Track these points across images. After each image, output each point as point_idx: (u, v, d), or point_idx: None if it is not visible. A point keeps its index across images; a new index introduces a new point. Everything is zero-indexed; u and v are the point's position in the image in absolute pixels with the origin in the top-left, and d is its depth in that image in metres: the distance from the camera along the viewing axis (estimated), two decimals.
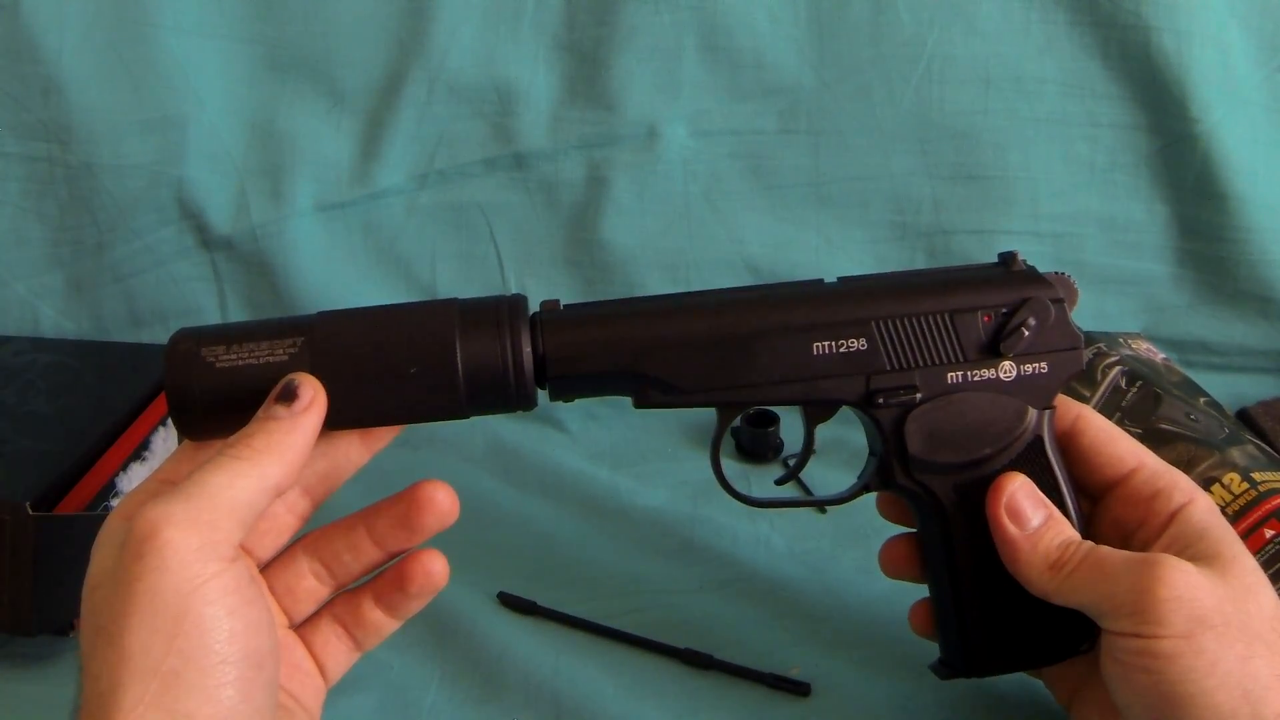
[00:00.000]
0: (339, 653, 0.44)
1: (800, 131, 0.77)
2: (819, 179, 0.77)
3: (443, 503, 0.43)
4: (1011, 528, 0.43)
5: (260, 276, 0.78)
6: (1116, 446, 0.46)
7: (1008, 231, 0.77)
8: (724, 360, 0.44)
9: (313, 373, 0.41)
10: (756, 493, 0.67)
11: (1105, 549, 0.42)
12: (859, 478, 0.49)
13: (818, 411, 0.47)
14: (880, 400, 0.45)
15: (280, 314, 0.78)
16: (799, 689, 0.52)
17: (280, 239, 0.77)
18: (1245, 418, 0.71)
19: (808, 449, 0.49)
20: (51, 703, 0.52)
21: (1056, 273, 0.46)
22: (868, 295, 0.45)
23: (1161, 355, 0.75)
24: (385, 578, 0.44)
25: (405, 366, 0.41)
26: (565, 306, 0.45)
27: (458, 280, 0.79)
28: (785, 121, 0.77)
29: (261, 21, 0.76)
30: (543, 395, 0.45)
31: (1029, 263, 0.47)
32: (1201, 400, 0.68)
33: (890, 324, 0.44)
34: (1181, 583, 0.40)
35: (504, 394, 0.43)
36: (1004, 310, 0.45)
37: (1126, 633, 0.40)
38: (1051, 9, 0.74)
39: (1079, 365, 0.46)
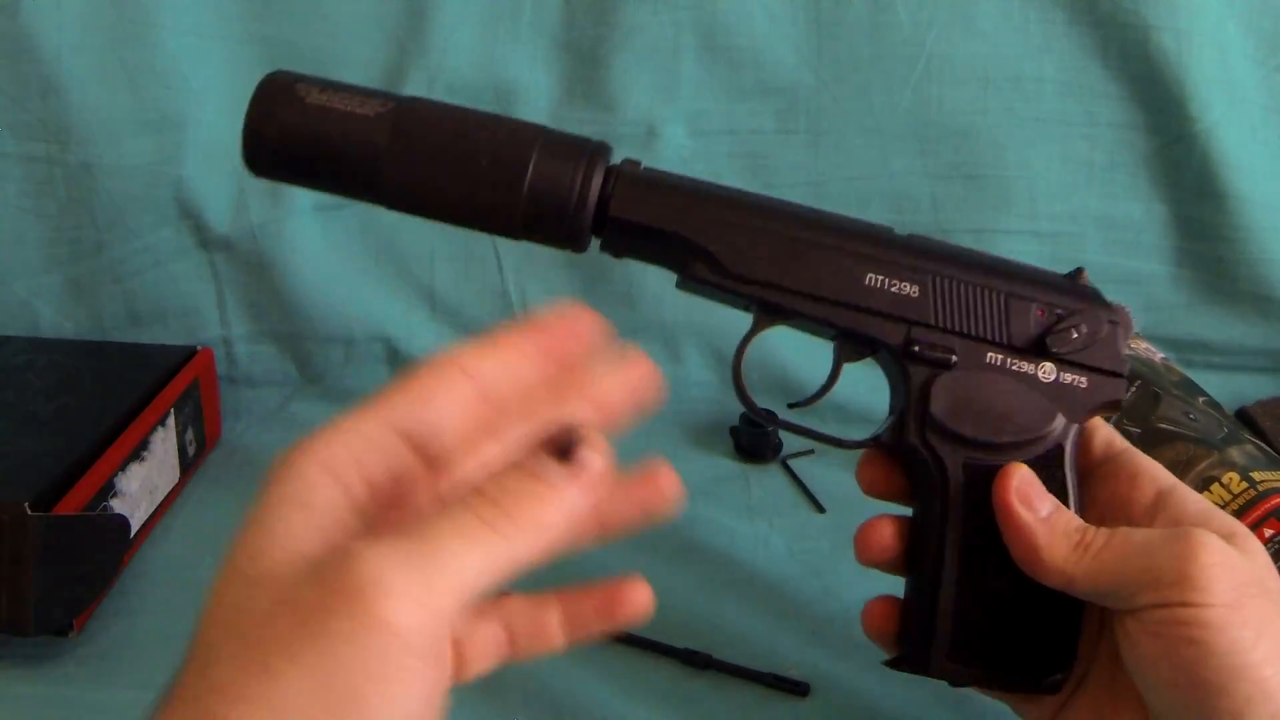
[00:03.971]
0: (488, 655, 0.38)
1: (799, 131, 0.77)
2: (818, 178, 0.77)
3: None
4: (1025, 513, 0.42)
5: (259, 276, 0.78)
6: (1088, 433, 0.45)
7: (1007, 231, 0.77)
8: (779, 256, 0.44)
9: (391, 139, 0.40)
10: (755, 493, 0.68)
11: (1130, 529, 0.41)
12: (874, 433, 0.48)
13: (850, 349, 0.47)
14: (916, 350, 0.44)
15: (279, 312, 0.78)
16: (798, 689, 0.52)
17: (279, 239, 0.77)
18: (1244, 417, 0.71)
19: (832, 381, 0.48)
20: (51, 703, 0.53)
21: (1119, 303, 0.46)
22: (933, 251, 0.45)
23: (1160, 354, 0.75)
24: (585, 598, 0.39)
25: (479, 158, 0.42)
26: (645, 168, 0.45)
27: (456, 280, 0.79)
28: (784, 121, 0.77)
29: (260, 21, 0.75)
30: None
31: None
32: (1200, 400, 0.68)
33: (947, 282, 0.44)
34: (1221, 550, 0.38)
35: (560, 220, 0.43)
36: (1059, 311, 0.44)
37: (1171, 602, 0.38)
38: (1050, 8, 0.74)
39: (1119, 393, 0.45)
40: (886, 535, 0.47)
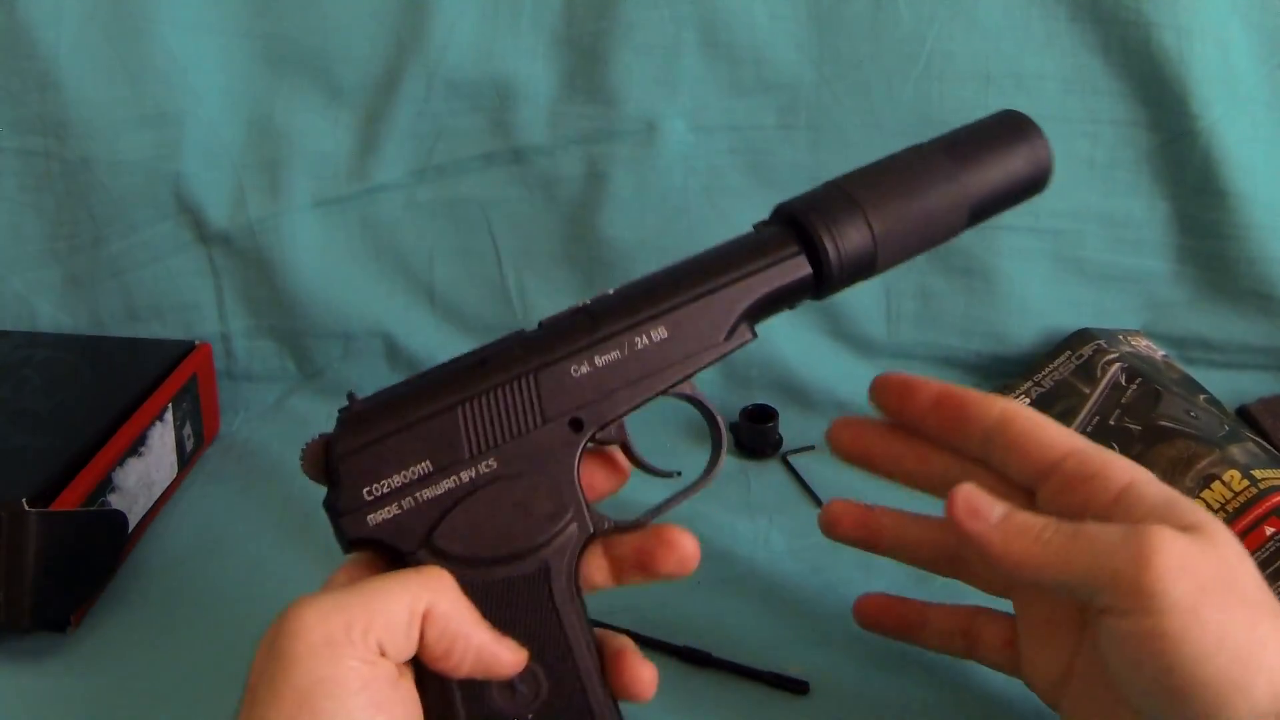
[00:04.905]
0: None
1: (800, 127, 0.77)
2: (818, 174, 0.75)
3: (687, 548, 0.43)
4: (976, 524, 0.41)
5: (258, 272, 0.78)
6: (1046, 433, 0.44)
7: (1007, 227, 0.77)
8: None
9: None
10: (755, 489, 0.68)
11: (1089, 523, 0.40)
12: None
13: None
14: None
15: (277, 307, 0.78)
16: (798, 687, 0.52)
17: (278, 234, 0.77)
18: (1245, 415, 0.71)
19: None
20: (49, 698, 0.53)
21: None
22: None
23: (1161, 352, 0.75)
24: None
25: None
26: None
27: (455, 276, 0.79)
28: (785, 117, 0.77)
29: (259, 16, 0.75)
30: None
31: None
32: (1201, 397, 0.68)
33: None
34: (1179, 551, 0.37)
35: None
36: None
37: (1129, 610, 0.37)
38: (1052, 5, 0.73)
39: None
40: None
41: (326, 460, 0.41)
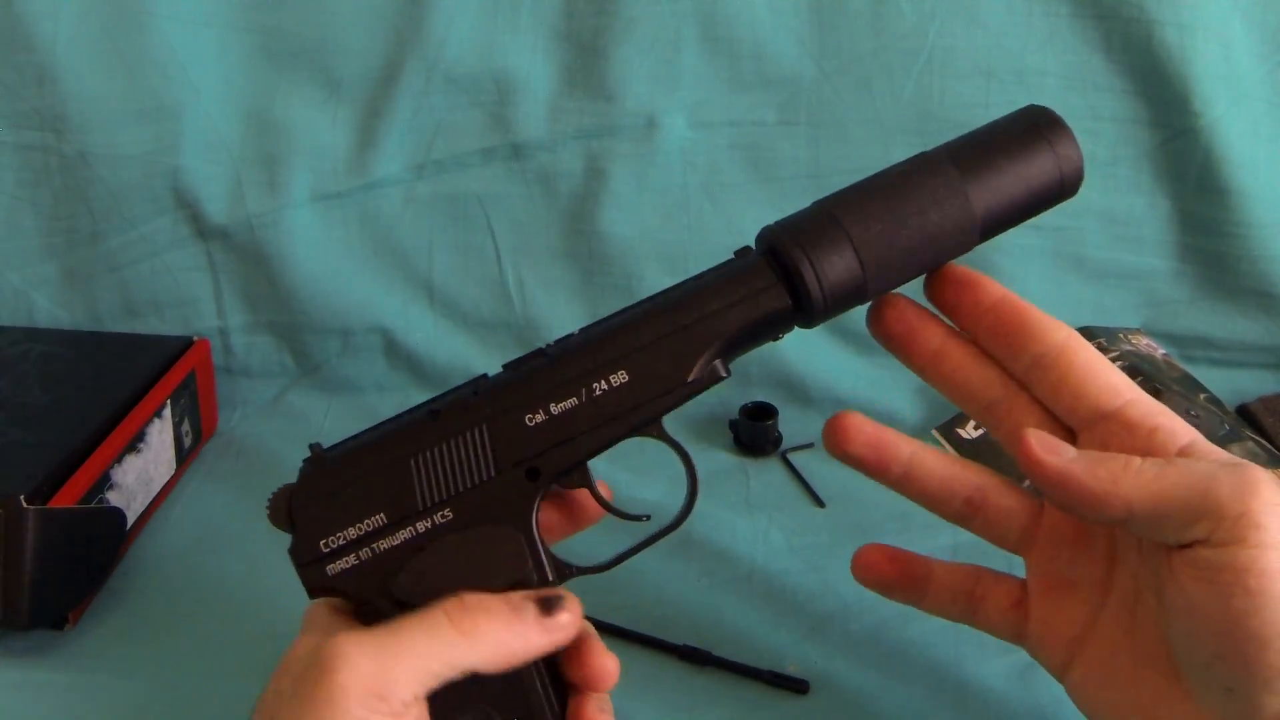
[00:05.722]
0: None
1: (800, 123, 0.76)
2: (819, 171, 0.77)
3: (608, 668, 0.42)
4: (1055, 459, 0.39)
5: (256, 267, 0.78)
6: (1109, 375, 0.42)
7: None
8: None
9: None
10: (755, 487, 0.68)
11: (1185, 459, 0.38)
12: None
13: None
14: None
15: (276, 302, 0.78)
16: (797, 686, 0.52)
17: (276, 229, 0.77)
18: (1245, 414, 0.71)
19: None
20: (47, 695, 0.52)
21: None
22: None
23: (1161, 350, 0.75)
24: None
25: None
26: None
27: (454, 272, 0.79)
28: (785, 113, 0.76)
29: (258, 10, 0.75)
30: None
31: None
32: (1201, 396, 0.68)
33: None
34: (1278, 492, 0.36)
35: None
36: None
37: (1229, 541, 0.36)
38: (1054, 1, 0.73)
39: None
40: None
41: (289, 511, 0.41)
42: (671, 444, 0.43)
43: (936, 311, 0.45)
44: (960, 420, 0.70)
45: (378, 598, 0.40)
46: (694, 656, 0.54)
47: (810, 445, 0.71)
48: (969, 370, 0.44)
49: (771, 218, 0.44)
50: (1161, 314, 0.78)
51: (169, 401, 0.67)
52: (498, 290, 0.79)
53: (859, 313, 0.77)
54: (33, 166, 0.76)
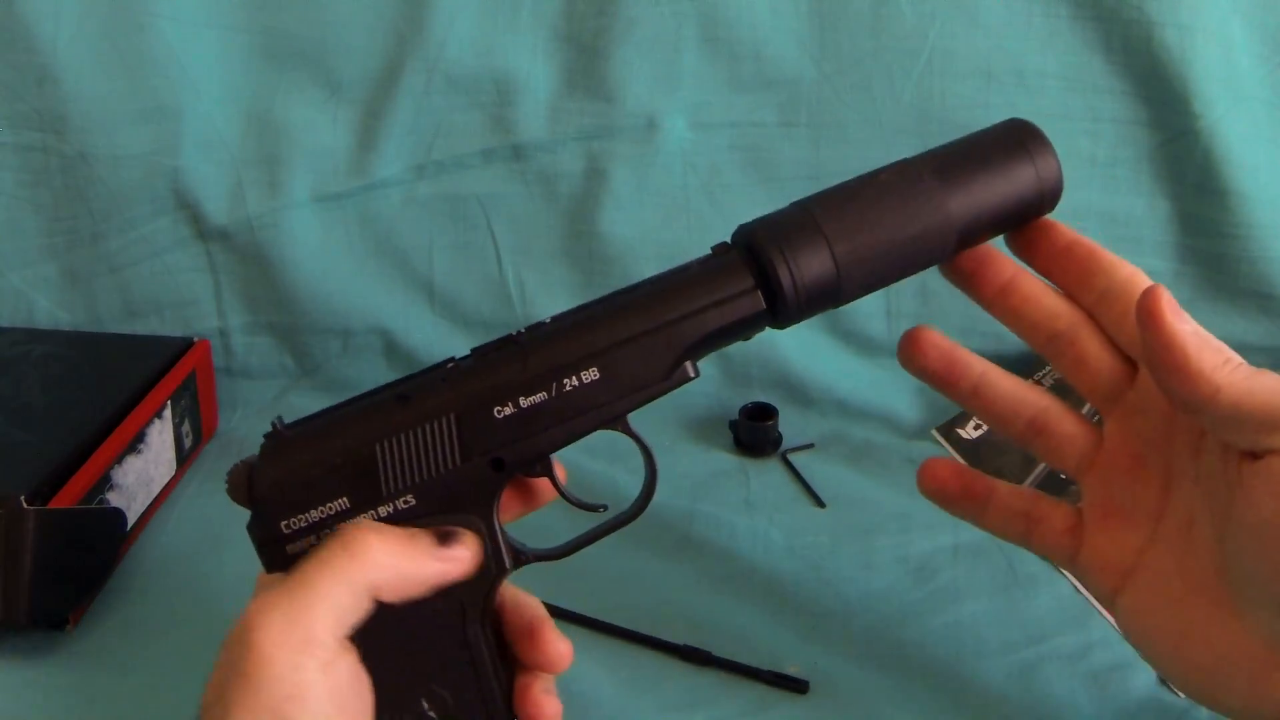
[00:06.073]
0: None
1: (800, 124, 0.77)
2: (819, 172, 0.77)
3: (560, 650, 0.43)
4: (1180, 323, 0.39)
5: (256, 267, 0.78)
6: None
7: None
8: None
9: None
10: (755, 487, 0.68)
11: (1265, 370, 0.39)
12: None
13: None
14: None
15: (276, 303, 0.78)
16: (798, 686, 0.52)
17: (276, 230, 0.77)
18: None
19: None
20: (48, 697, 0.52)
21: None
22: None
23: None
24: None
25: None
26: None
27: (455, 272, 0.79)
28: (785, 114, 0.77)
29: (258, 10, 0.75)
30: None
31: None
32: None
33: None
34: None
35: None
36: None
37: None
38: (1054, 3, 0.73)
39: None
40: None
41: (249, 488, 0.41)
42: (635, 439, 0.43)
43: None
44: (960, 421, 0.70)
45: None
46: (694, 656, 0.54)
47: (810, 446, 0.71)
48: (1037, 301, 0.46)
49: None
50: None
51: (169, 402, 0.67)
52: (498, 291, 0.79)
53: (861, 314, 0.78)
54: (33, 167, 0.76)
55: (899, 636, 0.55)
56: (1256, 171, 0.74)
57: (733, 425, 0.72)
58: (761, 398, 0.74)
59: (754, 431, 0.71)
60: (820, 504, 0.66)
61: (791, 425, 0.72)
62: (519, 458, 0.41)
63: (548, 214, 0.78)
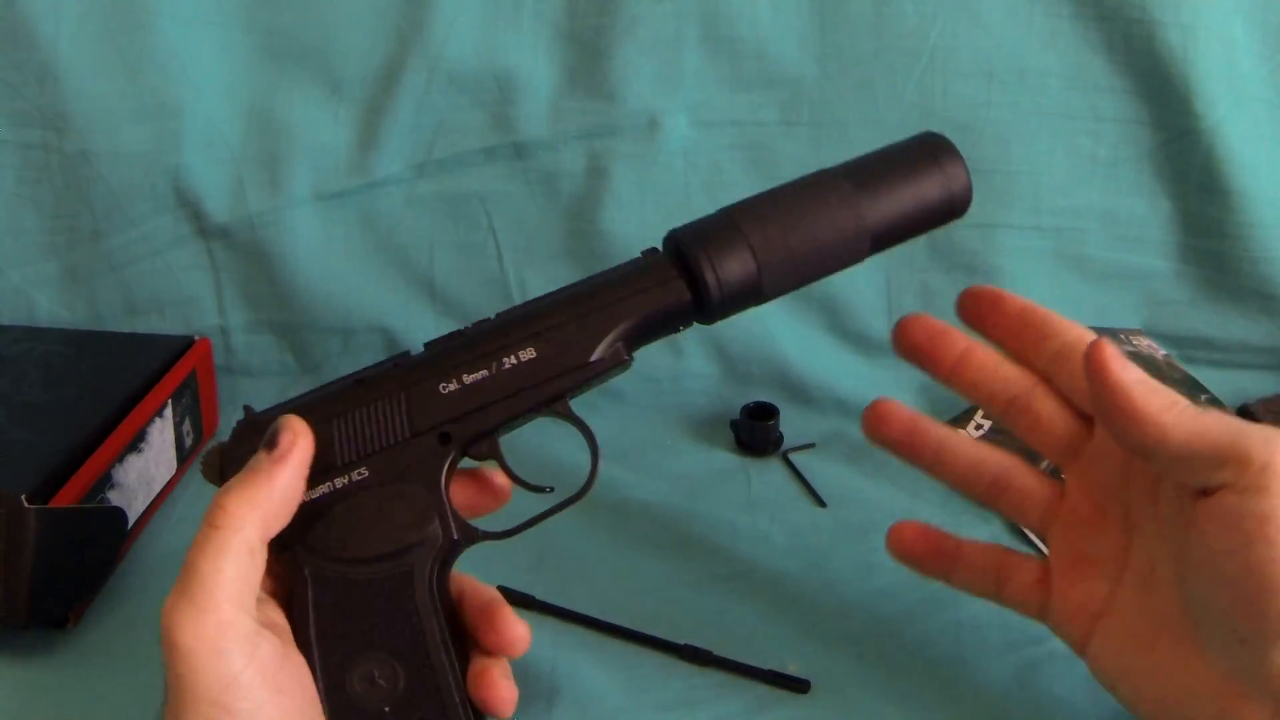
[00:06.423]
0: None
1: (802, 123, 0.77)
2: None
3: (517, 631, 0.44)
4: (1125, 372, 0.41)
5: (257, 266, 0.78)
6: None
7: (1009, 225, 0.77)
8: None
9: None
10: (756, 487, 0.68)
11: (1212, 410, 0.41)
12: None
13: None
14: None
15: (277, 302, 0.78)
16: (798, 686, 0.52)
17: (277, 228, 0.77)
18: (1246, 414, 0.71)
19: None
20: (48, 695, 0.52)
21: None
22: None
23: (1162, 351, 0.75)
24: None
25: None
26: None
27: (456, 271, 0.79)
28: (787, 113, 0.76)
29: (259, 9, 0.75)
30: None
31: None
32: (1203, 397, 0.68)
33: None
34: None
35: None
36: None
37: (1252, 489, 0.38)
38: (1056, 2, 0.73)
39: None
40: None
41: (220, 466, 0.44)
42: (575, 422, 0.46)
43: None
44: (961, 421, 0.70)
45: (297, 546, 0.43)
46: (694, 656, 0.54)
47: (812, 445, 0.71)
48: (993, 371, 0.48)
49: None
50: (1162, 315, 0.78)
51: (170, 401, 0.67)
52: (499, 290, 0.79)
53: (862, 313, 0.78)
54: (34, 165, 0.76)
55: (899, 636, 0.55)
56: (1258, 171, 0.74)
57: (734, 425, 0.72)
58: (762, 397, 0.74)
59: (755, 431, 0.71)
60: (821, 503, 0.66)
61: (792, 425, 0.72)
62: (465, 433, 0.44)
63: (549, 212, 0.78)
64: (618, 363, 0.45)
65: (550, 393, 0.45)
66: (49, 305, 0.78)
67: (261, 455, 0.41)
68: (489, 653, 0.44)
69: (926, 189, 0.46)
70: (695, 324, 0.47)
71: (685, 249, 0.46)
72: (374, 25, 0.75)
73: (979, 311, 0.49)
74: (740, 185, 0.77)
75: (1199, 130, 0.73)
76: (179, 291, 0.78)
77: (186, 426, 0.69)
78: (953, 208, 0.47)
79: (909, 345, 0.49)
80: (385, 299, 0.78)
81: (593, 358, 0.45)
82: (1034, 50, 0.74)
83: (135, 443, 0.63)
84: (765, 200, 0.47)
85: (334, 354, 0.79)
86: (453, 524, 0.44)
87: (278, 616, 0.42)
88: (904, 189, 0.46)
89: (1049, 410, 0.47)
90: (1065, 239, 0.77)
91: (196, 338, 0.72)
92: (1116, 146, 0.76)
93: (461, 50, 0.75)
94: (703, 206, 0.77)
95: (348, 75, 0.76)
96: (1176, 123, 0.74)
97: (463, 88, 0.76)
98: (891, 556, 0.50)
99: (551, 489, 0.47)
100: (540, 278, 0.78)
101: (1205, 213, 0.76)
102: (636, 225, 0.77)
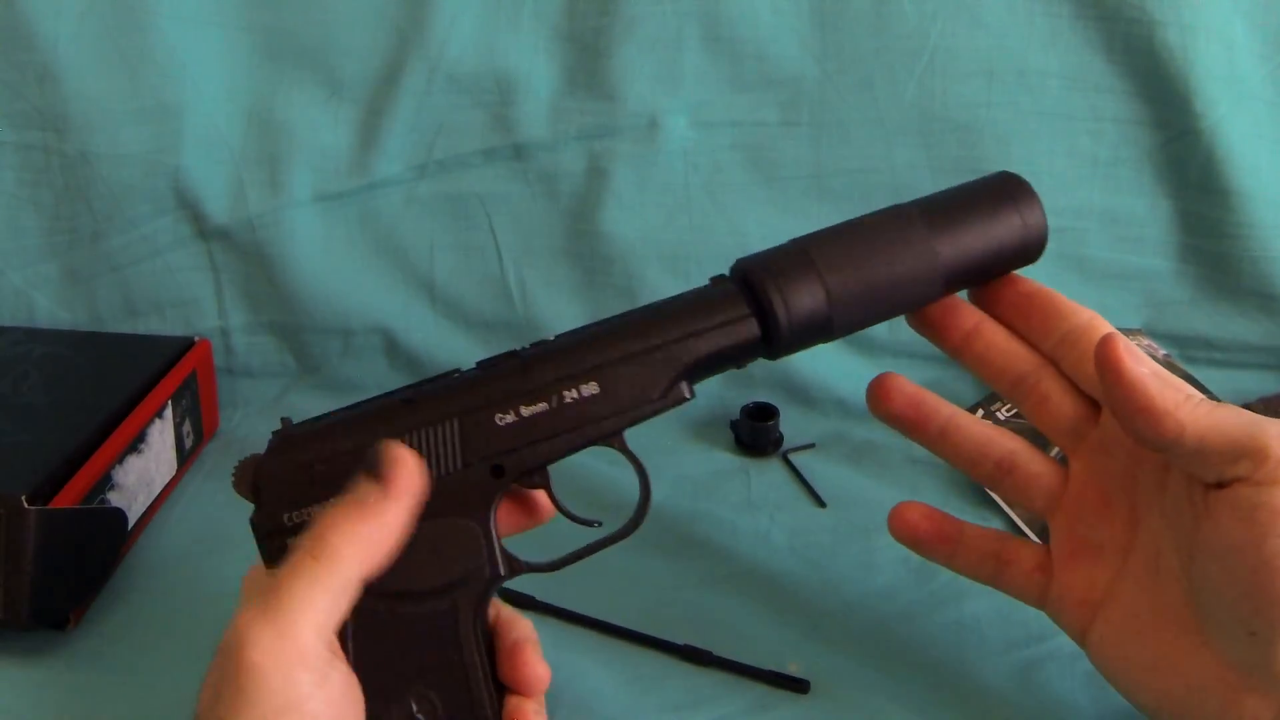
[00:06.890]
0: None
1: (802, 123, 0.76)
2: (820, 171, 0.77)
3: (538, 671, 0.44)
4: (1137, 366, 0.40)
5: (257, 267, 0.78)
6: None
7: None
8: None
9: None
10: (756, 487, 0.68)
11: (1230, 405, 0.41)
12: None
13: None
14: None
15: (277, 303, 0.78)
16: (798, 686, 0.52)
17: (278, 229, 0.77)
18: None
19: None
20: (48, 697, 0.52)
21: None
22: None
23: (1163, 351, 0.75)
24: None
25: None
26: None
27: (456, 272, 0.79)
28: (787, 113, 0.76)
29: (259, 9, 0.75)
30: None
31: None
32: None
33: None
34: None
35: None
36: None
37: (1267, 481, 0.38)
38: (1056, 2, 0.73)
39: None
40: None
41: (254, 481, 0.42)
42: (629, 457, 0.44)
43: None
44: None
45: None
46: (695, 656, 0.53)
47: (812, 445, 0.71)
48: (1001, 348, 0.48)
49: (774, 218, 0.45)
50: (1163, 315, 0.78)
51: (170, 402, 0.67)
52: (499, 290, 0.79)
53: None
54: (34, 166, 0.76)
55: (900, 636, 0.55)
56: (1258, 171, 0.74)
57: (734, 425, 0.72)
58: (763, 397, 0.74)
59: (755, 431, 0.71)
60: (821, 504, 0.66)
61: (793, 425, 0.72)
62: (518, 466, 0.42)
63: (549, 213, 0.78)
64: (680, 401, 0.44)
65: (610, 429, 0.43)
66: (49, 306, 0.78)
67: (371, 487, 0.39)
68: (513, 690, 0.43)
69: (1003, 231, 0.45)
70: (761, 359, 0.46)
71: (755, 280, 0.44)
72: (374, 25, 0.75)
73: (990, 289, 0.48)
74: (740, 186, 0.77)
75: (1199, 130, 0.73)
76: (179, 292, 0.78)
77: (187, 428, 0.69)
78: (1028, 252, 0.46)
79: (922, 319, 0.49)
80: (385, 300, 0.78)
81: (657, 396, 0.43)
82: (1034, 50, 0.74)
83: (135, 444, 0.63)
84: (838, 234, 0.45)
85: (334, 355, 0.79)
86: (500, 558, 0.43)
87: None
88: (981, 230, 0.45)
89: (1056, 393, 0.46)
90: (1065, 239, 0.77)
91: (196, 339, 0.72)
92: (1116, 146, 0.76)
93: (461, 51, 0.75)
94: (703, 207, 0.78)
95: (348, 76, 0.76)
96: (1176, 123, 0.74)
97: (463, 88, 0.76)
98: (894, 538, 0.50)
99: (600, 523, 0.45)
100: (541, 278, 0.78)
101: (1205, 213, 0.76)
102: (637, 226, 0.77)
